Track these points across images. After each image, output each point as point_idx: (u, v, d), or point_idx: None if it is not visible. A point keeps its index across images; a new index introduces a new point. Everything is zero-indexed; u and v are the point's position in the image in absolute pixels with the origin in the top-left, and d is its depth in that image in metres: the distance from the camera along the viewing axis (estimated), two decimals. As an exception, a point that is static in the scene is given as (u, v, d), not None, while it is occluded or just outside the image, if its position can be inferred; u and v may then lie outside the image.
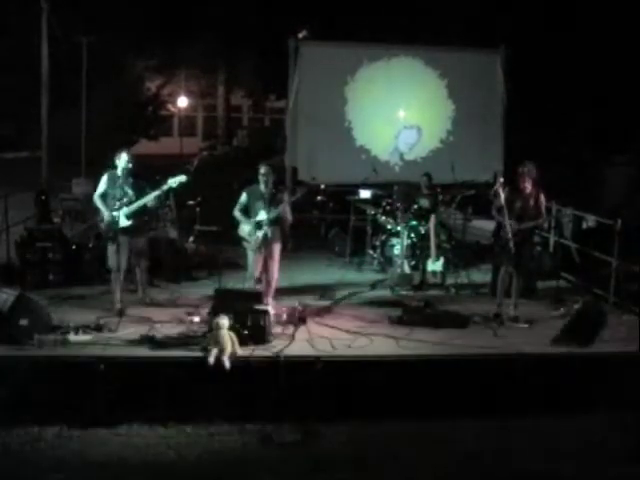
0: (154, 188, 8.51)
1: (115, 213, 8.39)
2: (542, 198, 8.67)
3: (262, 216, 8.54)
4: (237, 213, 8.67)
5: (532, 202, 8.60)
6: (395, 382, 7.28)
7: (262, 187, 8.64)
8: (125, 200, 8.43)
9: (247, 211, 8.67)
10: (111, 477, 6.13)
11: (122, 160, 8.45)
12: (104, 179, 8.56)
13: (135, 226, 8.51)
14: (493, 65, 13.39)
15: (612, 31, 17.97)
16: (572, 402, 7.34)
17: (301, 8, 22.35)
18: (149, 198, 8.47)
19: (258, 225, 8.54)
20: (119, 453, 6.45)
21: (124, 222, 8.42)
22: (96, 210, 8.77)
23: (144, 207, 8.53)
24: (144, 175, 8.87)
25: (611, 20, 18.12)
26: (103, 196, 8.55)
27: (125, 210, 8.40)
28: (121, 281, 8.61)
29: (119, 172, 8.45)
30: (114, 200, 8.45)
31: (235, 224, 8.74)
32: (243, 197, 8.68)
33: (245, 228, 8.62)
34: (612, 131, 17.92)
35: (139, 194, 8.46)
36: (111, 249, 8.49)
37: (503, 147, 13.52)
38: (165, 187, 8.50)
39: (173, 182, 8.51)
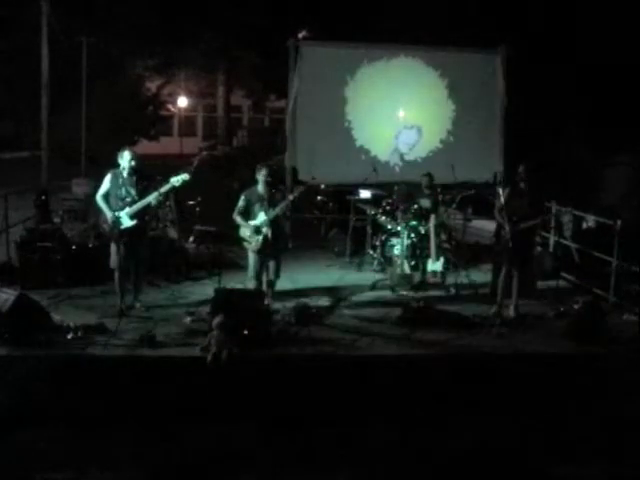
0: (157, 187, 8.40)
1: (118, 213, 8.28)
2: (542, 198, 8.67)
3: (262, 217, 8.56)
4: (237, 217, 8.68)
5: (532, 201, 8.60)
6: (395, 382, 7.28)
7: (261, 188, 8.65)
8: (128, 200, 8.32)
9: (247, 213, 8.68)
10: (111, 477, 6.13)
11: (125, 159, 8.32)
12: (107, 178, 8.42)
13: (138, 226, 8.41)
14: (493, 65, 13.37)
15: (612, 31, 17.98)
16: (572, 402, 7.33)
17: (301, 9, 22.39)
18: (152, 197, 8.33)
19: (258, 227, 8.55)
20: (119, 453, 6.45)
21: (128, 222, 8.31)
22: (97, 210, 8.70)
23: (147, 207, 8.45)
24: (148, 173, 8.83)
25: (611, 20, 18.12)
26: (106, 196, 8.40)
27: (128, 210, 8.30)
28: (124, 281, 8.60)
29: (123, 171, 8.33)
30: (117, 200, 8.33)
31: (235, 225, 8.75)
32: (242, 200, 8.69)
33: (245, 231, 8.63)
34: (611, 131, 17.91)
35: (142, 194, 8.35)
36: (114, 249, 8.44)
37: (503, 147, 13.51)
38: (168, 186, 8.39)
39: (176, 181, 8.38)
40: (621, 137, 17.47)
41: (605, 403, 7.28)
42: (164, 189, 8.40)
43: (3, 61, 22.11)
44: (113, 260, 8.49)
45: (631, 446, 6.77)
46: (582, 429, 7.01)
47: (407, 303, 9.00)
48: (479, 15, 18.88)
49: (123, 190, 8.32)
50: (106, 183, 8.42)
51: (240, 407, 6.97)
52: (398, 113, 13.20)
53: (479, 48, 13.63)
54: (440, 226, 10.59)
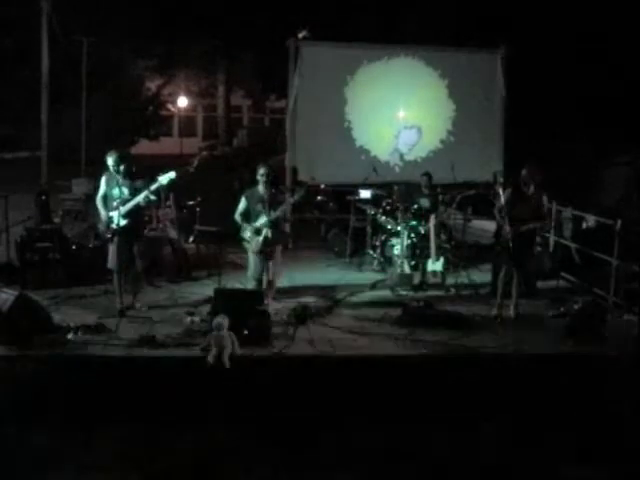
0: (147, 187, 8.44)
1: (112, 213, 8.37)
2: (544, 200, 8.66)
3: (263, 219, 8.55)
4: (238, 218, 8.69)
5: (534, 204, 8.60)
6: (395, 382, 7.28)
7: (261, 188, 8.63)
8: (120, 200, 8.39)
9: (247, 214, 8.67)
10: (111, 478, 6.13)
11: (109, 161, 8.42)
12: (102, 181, 8.55)
13: (131, 226, 8.46)
14: (493, 65, 13.37)
15: (612, 31, 17.99)
16: (572, 402, 7.33)
17: (301, 8, 22.36)
18: (141, 197, 8.38)
19: (258, 229, 8.55)
20: (119, 453, 6.44)
21: (121, 221, 8.37)
22: (96, 211, 8.76)
23: (138, 206, 8.48)
24: (143, 174, 8.82)
25: (611, 20, 18.13)
26: (104, 198, 8.53)
27: (121, 209, 8.36)
28: (122, 281, 8.60)
29: (114, 172, 8.42)
30: (112, 200, 8.43)
31: (235, 225, 8.75)
32: (243, 201, 8.69)
33: (246, 232, 8.63)
34: (612, 131, 17.92)
35: (134, 194, 8.41)
36: (111, 249, 8.49)
37: (503, 147, 13.51)
38: (155, 185, 8.44)
39: (163, 179, 8.46)
40: (621, 137, 17.47)
41: (605, 403, 7.27)
42: (152, 188, 8.41)
43: (3, 60, 22.11)
44: (111, 261, 8.53)
45: (631, 446, 6.77)
46: (582, 429, 7.01)
47: (407, 303, 9.00)
48: (479, 15, 18.88)
49: (117, 190, 8.42)
50: (102, 185, 8.56)
51: (240, 407, 6.96)
52: (398, 113, 13.19)
53: (479, 48, 13.64)
54: (440, 226, 10.59)
